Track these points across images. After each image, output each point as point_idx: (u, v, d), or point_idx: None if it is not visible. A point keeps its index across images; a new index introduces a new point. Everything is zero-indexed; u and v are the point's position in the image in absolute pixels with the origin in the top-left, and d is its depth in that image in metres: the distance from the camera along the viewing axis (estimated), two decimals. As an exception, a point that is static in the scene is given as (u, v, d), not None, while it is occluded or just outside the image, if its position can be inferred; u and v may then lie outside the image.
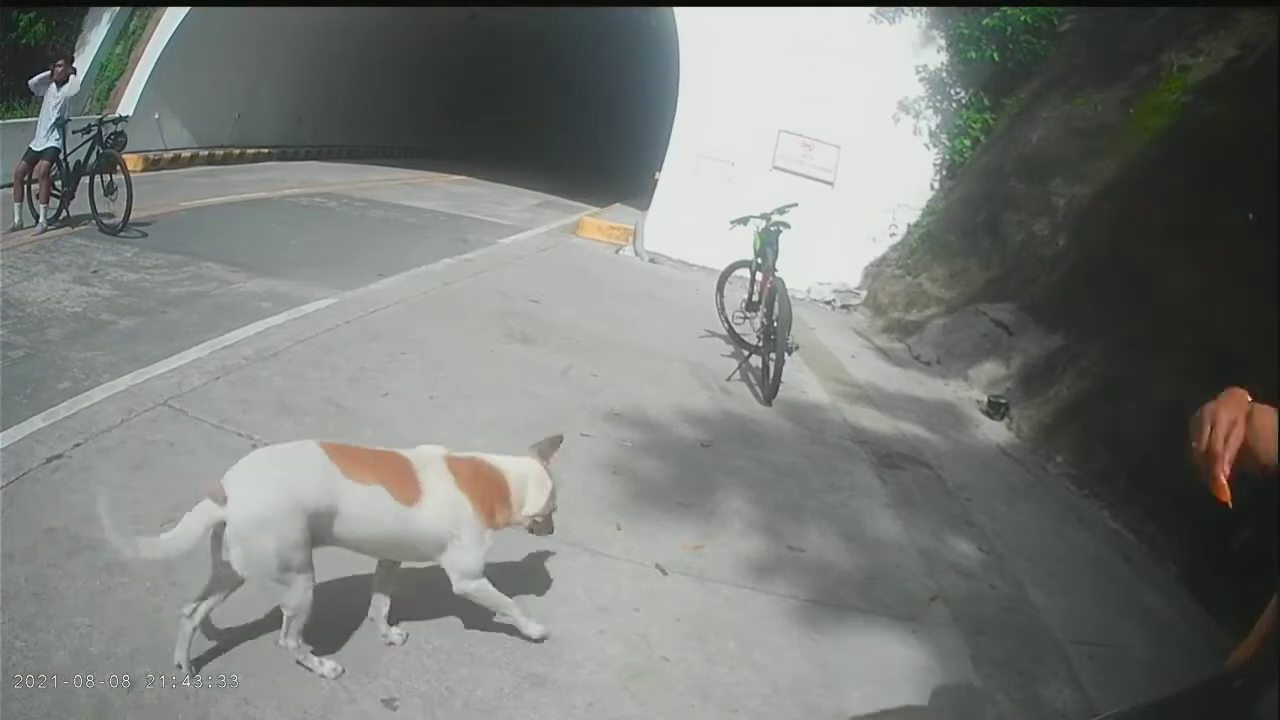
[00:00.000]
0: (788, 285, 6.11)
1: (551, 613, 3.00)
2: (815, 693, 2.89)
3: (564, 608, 3.06)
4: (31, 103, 8.72)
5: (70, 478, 3.27)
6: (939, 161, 10.17)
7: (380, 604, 2.70)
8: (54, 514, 3.00)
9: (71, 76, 8.08)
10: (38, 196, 7.65)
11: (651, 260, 10.22)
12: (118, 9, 12.28)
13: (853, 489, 4.62)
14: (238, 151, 13.70)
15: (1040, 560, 4.17)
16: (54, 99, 7.90)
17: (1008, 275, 7.40)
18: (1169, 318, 5.20)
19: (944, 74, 10.12)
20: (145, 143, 11.53)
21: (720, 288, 7.22)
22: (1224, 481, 1.41)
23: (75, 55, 10.21)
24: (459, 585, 2.63)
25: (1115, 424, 5.18)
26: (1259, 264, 4.55)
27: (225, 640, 2.54)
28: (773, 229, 6.37)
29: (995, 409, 6.29)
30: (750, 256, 6.67)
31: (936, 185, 10.11)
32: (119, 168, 7.83)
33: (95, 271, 6.44)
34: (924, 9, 10.11)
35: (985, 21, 9.54)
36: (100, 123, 8.24)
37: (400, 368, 5.11)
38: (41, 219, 7.63)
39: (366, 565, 2.73)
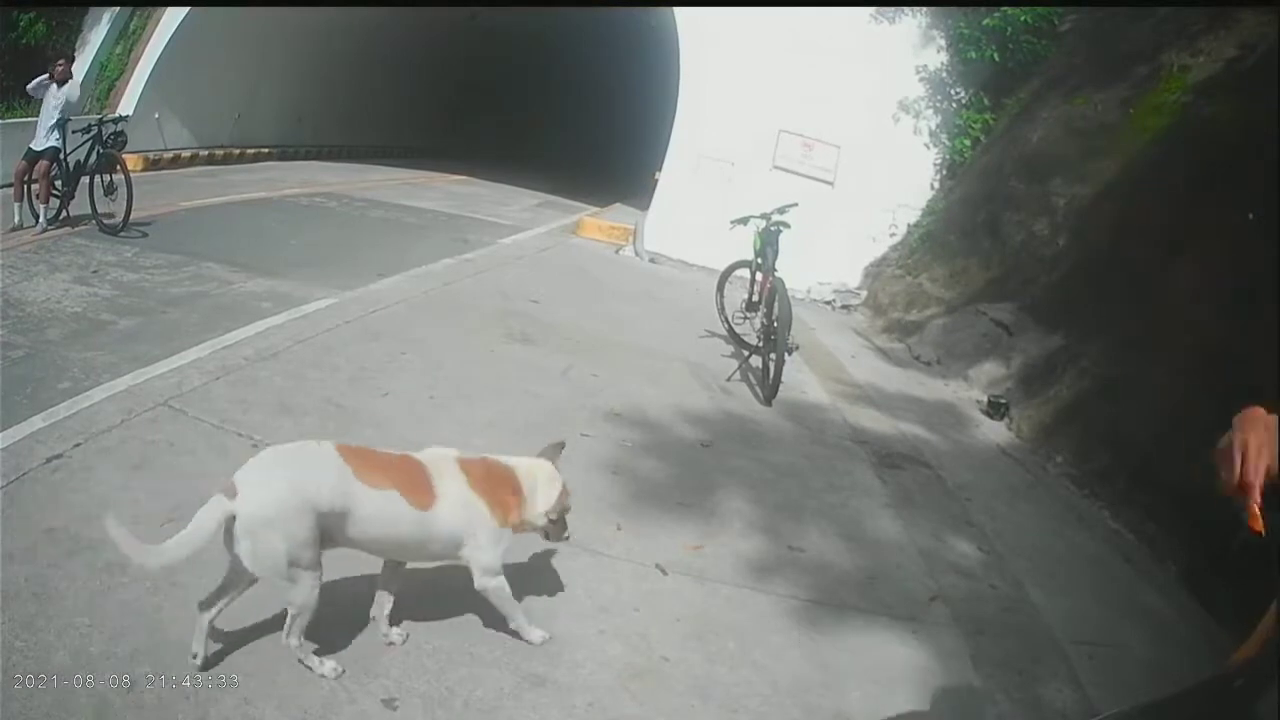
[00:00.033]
0: (788, 285, 6.11)
1: (552, 613, 3.01)
2: (815, 693, 2.89)
3: (564, 608, 3.06)
4: (32, 103, 8.72)
5: (70, 478, 3.27)
6: (939, 161, 10.17)
7: (384, 602, 2.71)
8: (54, 514, 3.01)
9: (70, 80, 8.07)
10: (38, 196, 7.65)
11: (651, 260, 10.22)
12: (118, 9, 12.28)
13: (853, 489, 4.62)
14: (238, 151, 13.70)
15: (1040, 560, 4.17)
16: (54, 99, 7.90)
17: (1008, 275, 7.40)
18: (1169, 318, 5.20)
19: (944, 74, 10.12)
20: (145, 143, 11.54)
21: (720, 288, 7.22)
22: (1257, 512, 1.41)
23: (76, 55, 10.19)
24: (479, 581, 2.67)
25: (1115, 424, 5.18)
26: (1259, 264, 4.55)
27: (225, 640, 2.54)
28: (773, 229, 6.37)
29: (995, 409, 6.29)
30: (750, 256, 6.67)
31: (936, 185, 10.11)
32: (119, 167, 7.84)
33: (95, 271, 6.44)
34: (924, 9, 10.11)
35: (985, 21, 9.54)
36: (100, 122, 8.24)
37: (400, 368, 5.11)
38: (41, 219, 7.63)
39: (366, 566, 2.73)
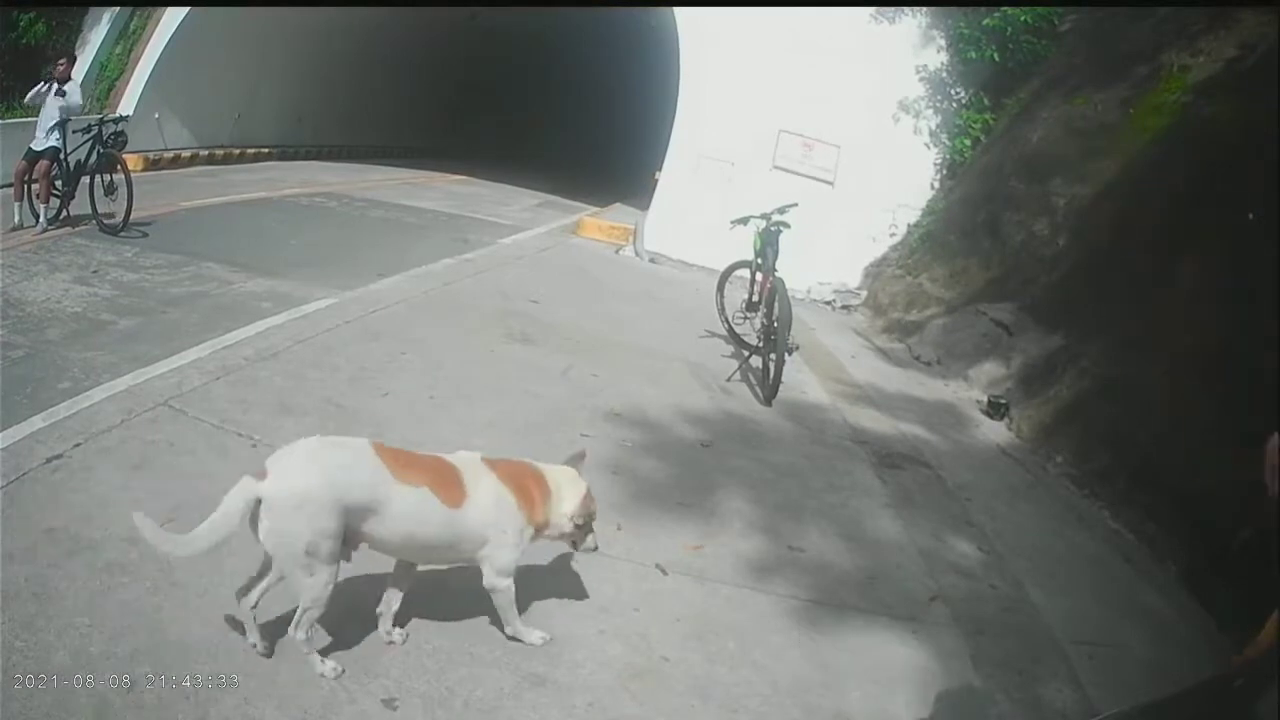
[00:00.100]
0: (788, 285, 6.11)
1: (552, 613, 3.01)
2: (815, 693, 2.89)
3: (564, 608, 3.06)
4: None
5: (70, 478, 3.27)
6: (939, 161, 10.17)
7: (392, 601, 2.72)
8: (54, 514, 3.01)
9: (70, 81, 8.06)
10: (38, 196, 7.65)
11: (651, 260, 10.21)
12: (118, 9, 12.28)
13: (853, 489, 4.62)
14: (238, 151, 13.70)
15: (1040, 560, 4.17)
16: (55, 99, 7.89)
17: (1008, 275, 7.39)
18: (1169, 318, 5.20)
19: (944, 74, 10.12)
20: (145, 142, 11.53)
21: (720, 288, 7.22)
22: None
23: (76, 55, 10.18)
24: (489, 580, 2.68)
25: (1115, 424, 5.18)
26: (1259, 264, 4.55)
27: (225, 640, 2.54)
28: (773, 229, 6.37)
29: (995, 409, 6.29)
30: (750, 256, 6.66)
31: (936, 185, 10.11)
32: (119, 167, 7.83)
33: (95, 271, 6.44)
34: (924, 9, 10.11)
35: (985, 21, 9.54)
36: (100, 122, 8.24)
37: (400, 368, 5.11)
38: (42, 219, 7.63)
39: (368, 566, 2.73)
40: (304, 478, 2.35)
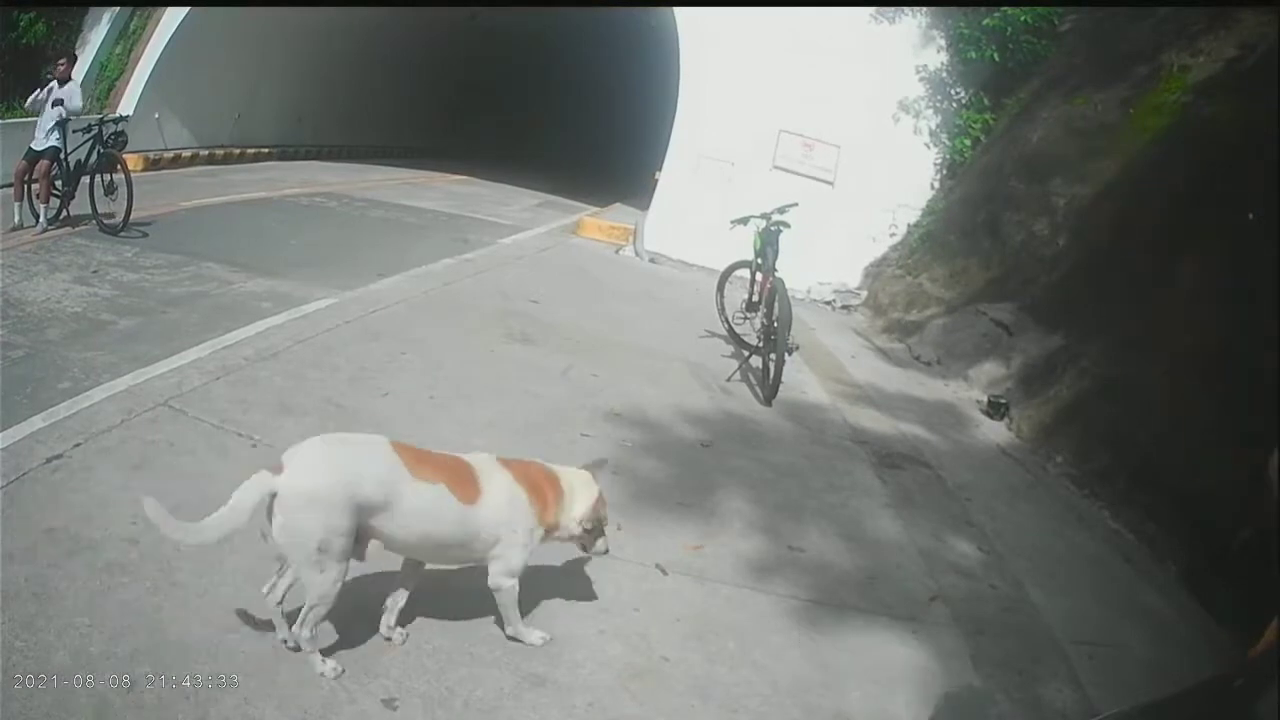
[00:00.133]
0: (788, 285, 6.11)
1: (552, 613, 3.01)
2: (815, 693, 2.89)
3: (564, 608, 3.06)
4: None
5: (70, 478, 3.27)
6: (939, 161, 10.17)
7: (398, 599, 2.72)
8: (54, 514, 3.01)
9: (70, 83, 8.06)
10: (38, 196, 7.65)
11: (651, 260, 10.21)
12: (118, 9, 12.28)
13: (853, 489, 4.62)
14: (238, 151, 13.70)
15: (1040, 560, 4.17)
16: (55, 99, 7.89)
17: (1008, 275, 7.40)
18: (1169, 318, 5.20)
19: (944, 74, 10.12)
20: (145, 142, 11.53)
21: (720, 288, 7.22)
22: None
23: (77, 55, 10.17)
24: (495, 579, 2.69)
25: (1115, 424, 5.19)
26: (1259, 264, 4.55)
27: (225, 640, 2.54)
28: (773, 229, 6.37)
29: (995, 409, 6.29)
30: (750, 256, 6.66)
31: (936, 185, 10.11)
32: (119, 167, 7.83)
33: (95, 271, 6.44)
34: (924, 9, 10.11)
35: (985, 21, 9.54)
36: (101, 122, 8.24)
37: (400, 368, 5.11)
38: (42, 219, 7.63)
39: (369, 565, 2.72)
40: (319, 474, 2.36)
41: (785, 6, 9.99)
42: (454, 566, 2.85)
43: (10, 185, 7.83)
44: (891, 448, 5.32)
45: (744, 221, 6.61)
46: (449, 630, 2.81)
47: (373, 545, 2.54)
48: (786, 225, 6.40)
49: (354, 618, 2.70)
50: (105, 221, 7.67)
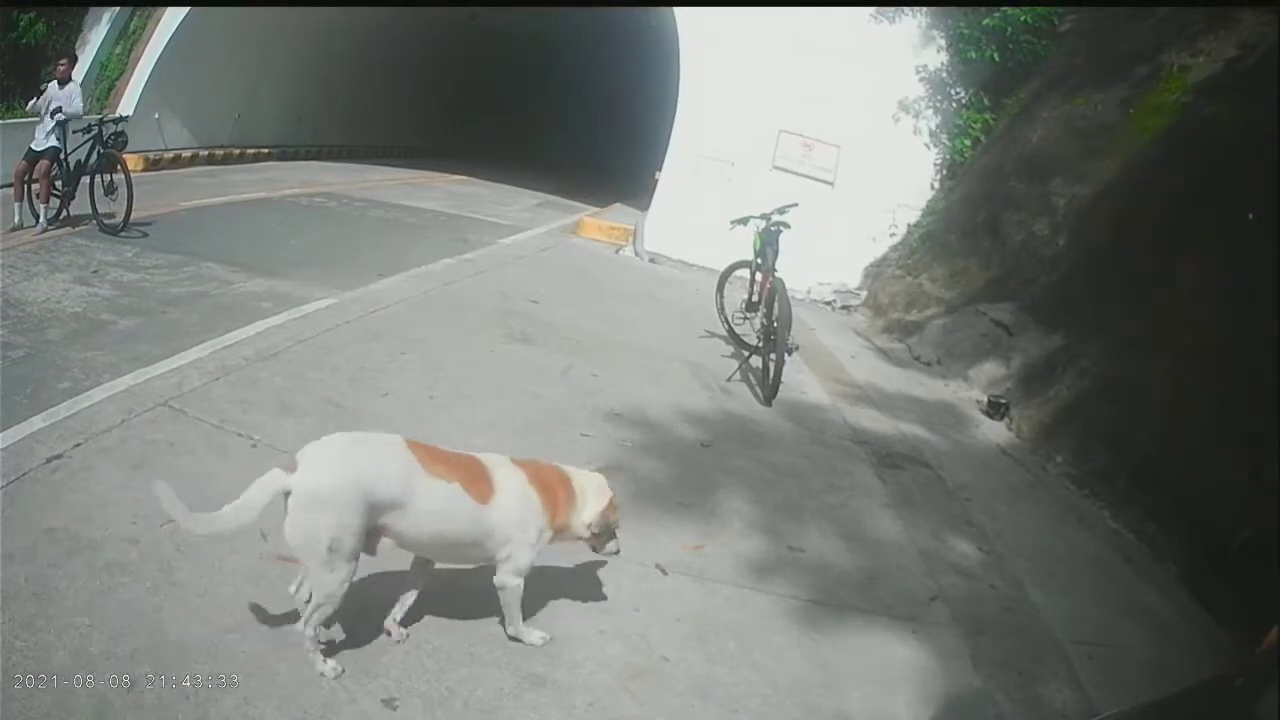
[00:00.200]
0: (788, 285, 6.11)
1: (552, 613, 3.01)
2: (815, 693, 2.89)
3: (564, 608, 3.06)
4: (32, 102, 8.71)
5: (70, 478, 3.27)
6: (939, 161, 10.17)
7: (407, 598, 2.73)
8: (54, 514, 3.01)
9: (70, 84, 8.06)
10: (38, 196, 7.65)
11: (651, 260, 10.21)
12: (118, 9, 12.27)
13: (853, 489, 4.62)
14: (238, 151, 13.70)
15: (1040, 560, 4.17)
16: (55, 99, 7.89)
17: (1008, 275, 7.40)
18: (1169, 318, 5.20)
19: (944, 74, 10.12)
20: (145, 143, 11.53)
21: (720, 288, 7.22)
22: None
23: (78, 56, 10.17)
24: (502, 578, 2.69)
25: (1115, 424, 5.19)
26: (1259, 264, 4.55)
27: (225, 640, 2.54)
28: (773, 229, 6.37)
29: (995, 409, 6.29)
30: (750, 256, 6.67)
31: (936, 185, 10.11)
32: (119, 167, 7.83)
33: (95, 271, 6.44)
34: (924, 9, 10.11)
35: (985, 21, 9.54)
36: (101, 122, 8.24)
37: (400, 368, 5.11)
38: (42, 219, 7.63)
39: (371, 565, 2.72)
40: (333, 474, 2.37)
41: (785, 6, 9.99)
42: (464, 566, 2.84)
43: (10, 185, 7.83)
44: (891, 448, 5.32)
45: (744, 222, 6.61)
46: (449, 630, 2.81)
47: (385, 543, 2.55)
48: (786, 225, 6.40)
49: (357, 618, 2.70)
50: (105, 221, 7.67)
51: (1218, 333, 4.72)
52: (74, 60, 8.65)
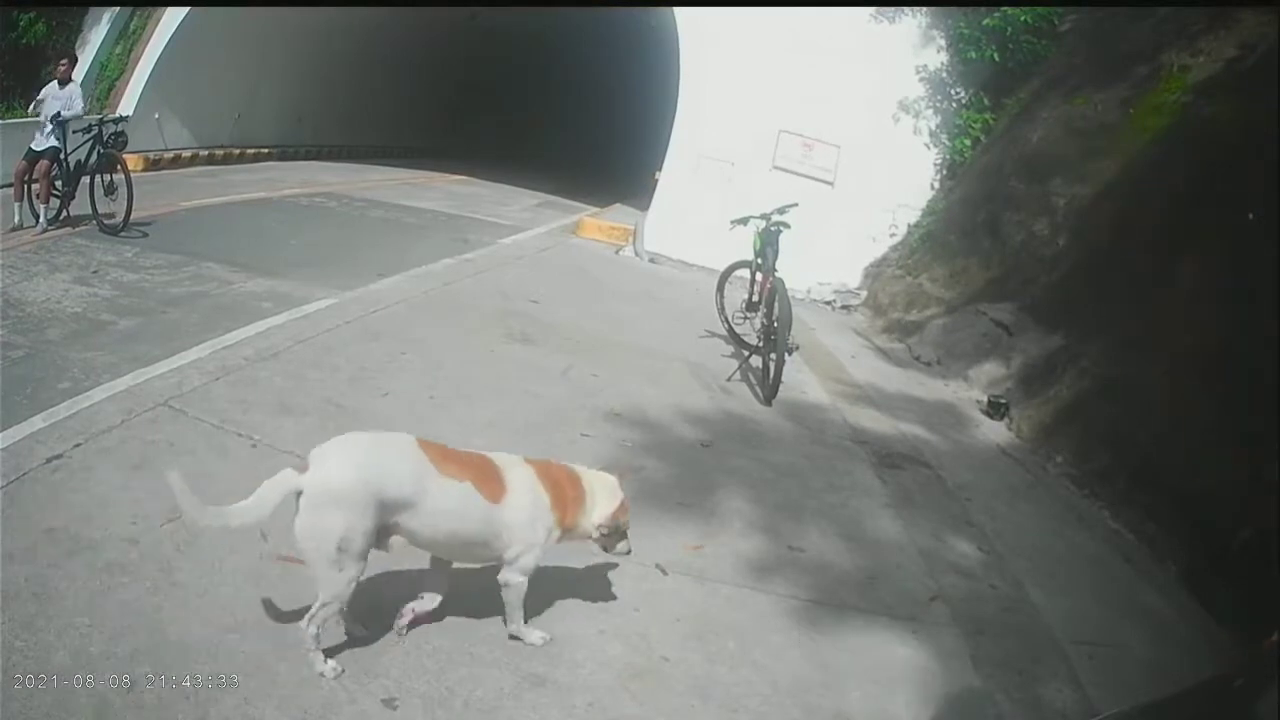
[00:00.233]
0: (788, 285, 6.11)
1: (552, 612, 3.01)
2: (815, 693, 2.89)
3: (564, 607, 3.06)
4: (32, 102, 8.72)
5: (70, 478, 3.27)
6: (939, 161, 10.17)
7: (430, 601, 2.74)
8: (54, 514, 3.01)
9: (70, 84, 8.06)
10: (38, 196, 7.65)
11: (651, 260, 10.21)
12: (118, 9, 12.28)
13: (853, 489, 4.62)
14: (238, 151, 13.70)
15: (1040, 560, 4.17)
16: (55, 99, 7.89)
17: (1008, 275, 7.40)
18: (1169, 318, 5.20)
19: (944, 74, 10.12)
20: (145, 143, 11.53)
21: (720, 288, 7.22)
22: None
23: (78, 56, 10.17)
24: (507, 576, 2.69)
25: (1115, 424, 5.19)
26: (1259, 264, 4.55)
27: (225, 640, 2.54)
28: (773, 229, 6.37)
29: (995, 409, 6.29)
30: (750, 256, 6.67)
31: (936, 185, 10.11)
32: (119, 167, 7.83)
33: (95, 271, 6.44)
34: (924, 9, 10.11)
35: (985, 21, 9.54)
36: (101, 122, 8.24)
37: (400, 368, 5.11)
38: (42, 219, 7.63)
39: (378, 565, 2.72)
40: (345, 474, 2.37)
41: (785, 6, 9.99)
42: (474, 565, 2.84)
43: (10, 185, 7.83)
44: (891, 448, 5.32)
45: (744, 222, 6.61)
46: (449, 630, 2.81)
47: (396, 540, 2.55)
48: (786, 225, 6.40)
49: (365, 617, 2.70)
50: (105, 221, 7.67)
51: (1218, 333, 4.72)
52: (74, 60, 8.66)
